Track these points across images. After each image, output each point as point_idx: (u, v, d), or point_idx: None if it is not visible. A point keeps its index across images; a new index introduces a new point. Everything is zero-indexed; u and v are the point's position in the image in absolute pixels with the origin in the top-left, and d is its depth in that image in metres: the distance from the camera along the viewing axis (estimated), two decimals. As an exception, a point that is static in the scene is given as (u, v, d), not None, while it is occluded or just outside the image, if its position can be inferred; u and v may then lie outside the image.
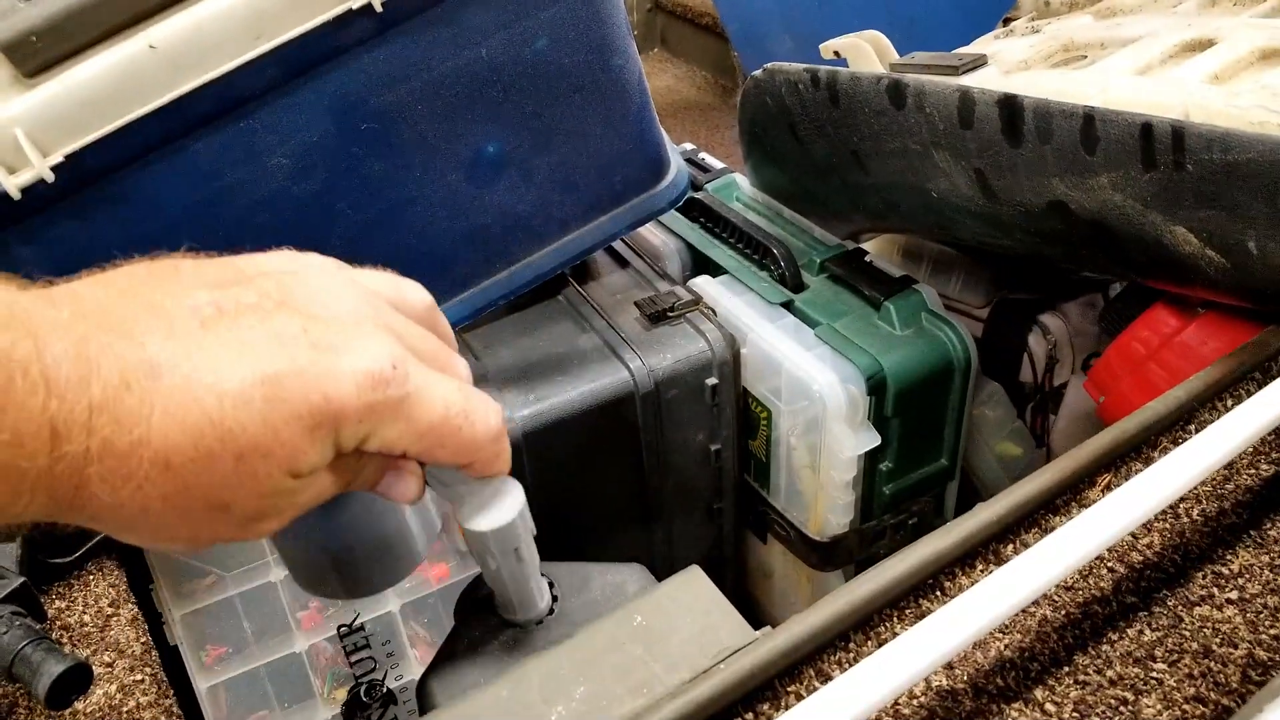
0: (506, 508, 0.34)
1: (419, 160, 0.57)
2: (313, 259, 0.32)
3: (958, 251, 0.84)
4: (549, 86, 0.58)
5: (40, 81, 0.47)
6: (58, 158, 0.46)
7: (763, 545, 0.77)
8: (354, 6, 0.48)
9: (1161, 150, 0.43)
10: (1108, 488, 0.42)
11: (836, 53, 0.71)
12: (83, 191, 0.49)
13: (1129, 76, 0.53)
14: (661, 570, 0.45)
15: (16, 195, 0.46)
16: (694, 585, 0.39)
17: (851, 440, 0.63)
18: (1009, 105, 0.48)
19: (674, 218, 0.80)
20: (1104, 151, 0.45)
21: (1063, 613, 0.38)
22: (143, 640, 0.52)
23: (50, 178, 0.46)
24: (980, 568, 0.40)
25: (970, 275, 0.84)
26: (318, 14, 0.48)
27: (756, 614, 0.82)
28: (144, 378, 0.24)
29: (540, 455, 0.62)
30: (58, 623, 0.53)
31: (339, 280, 0.31)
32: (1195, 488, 0.43)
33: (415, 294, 0.34)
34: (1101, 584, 0.39)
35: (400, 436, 0.29)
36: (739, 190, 0.83)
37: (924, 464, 0.70)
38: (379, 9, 0.49)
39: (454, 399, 0.30)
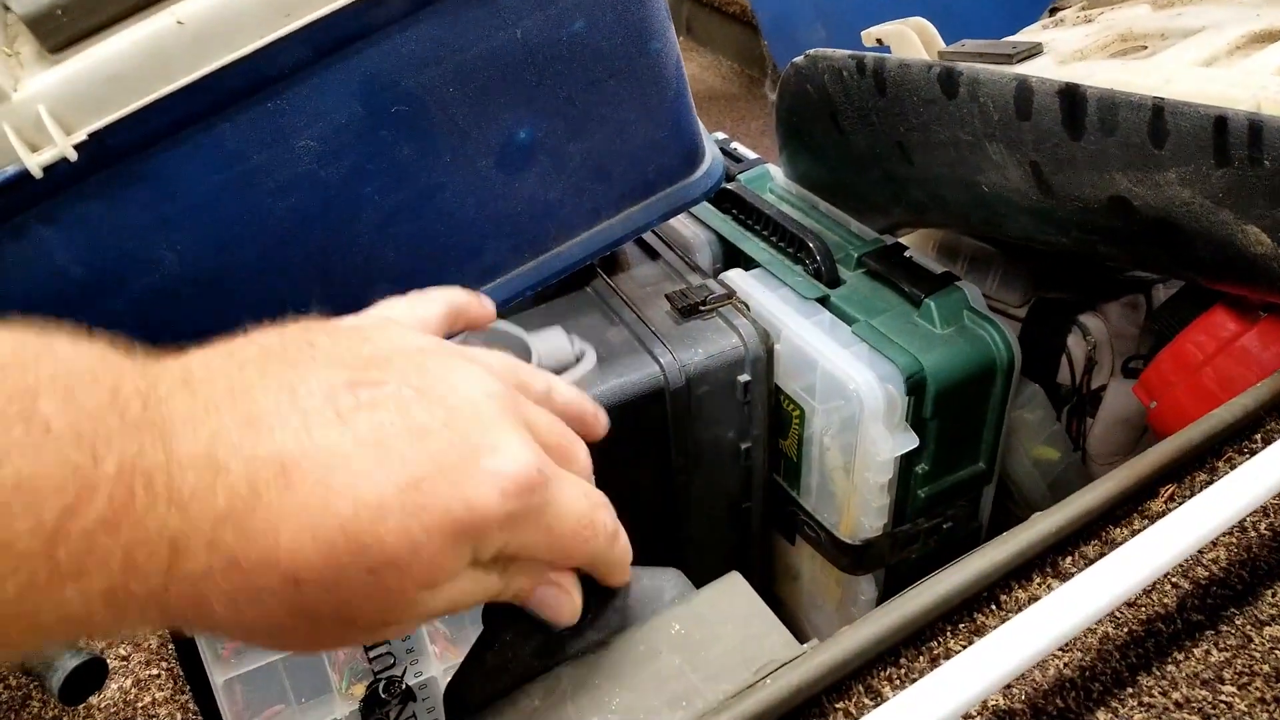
0: None
1: (449, 145, 0.55)
2: (425, 339, 0.30)
3: (996, 248, 0.82)
4: (584, 71, 0.56)
5: (65, 57, 0.45)
6: (81, 136, 0.45)
7: (791, 546, 0.75)
8: (387, -17, 0.47)
9: (1236, 145, 0.41)
10: (1171, 499, 0.40)
11: (879, 40, 0.69)
12: (106, 171, 0.47)
13: (1194, 68, 0.51)
14: (687, 568, 0.43)
15: (39, 174, 0.45)
16: (735, 592, 0.38)
17: (888, 442, 0.61)
18: (1070, 95, 0.46)
19: (705, 209, 0.78)
20: (1173, 145, 0.43)
21: (1125, 630, 0.36)
22: (159, 634, 0.51)
23: (73, 156, 0.45)
24: (1038, 580, 0.38)
25: (1008, 273, 0.81)
26: (350, -9, 0.46)
27: (782, 616, 0.81)
28: (275, 483, 0.22)
29: (567, 451, 0.61)
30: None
31: (464, 362, 0.28)
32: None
33: (534, 377, 0.31)
34: (1165, 600, 0.37)
35: (535, 545, 0.27)
36: (772, 181, 0.81)
37: (961, 467, 0.67)
38: (413, -14, 0.47)
39: (583, 506, 0.28)
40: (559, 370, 0.55)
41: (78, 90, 0.45)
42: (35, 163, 0.44)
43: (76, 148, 0.45)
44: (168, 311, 0.53)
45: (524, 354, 0.52)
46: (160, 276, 0.52)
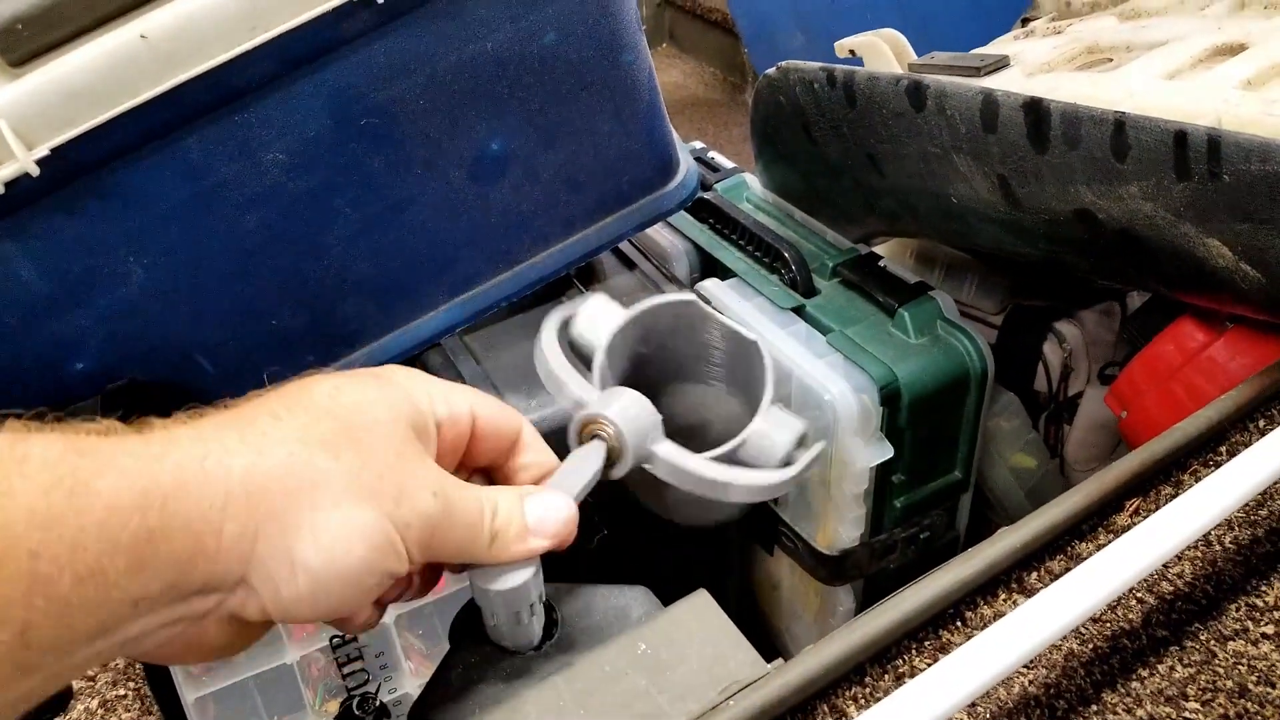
0: (519, 570, 0.33)
1: (420, 157, 0.55)
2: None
3: (972, 256, 0.82)
4: (556, 82, 0.56)
5: (26, 71, 0.45)
6: (43, 151, 0.44)
7: (769, 557, 0.75)
8: (354, -3, 0.46)
9: (1196, 159, 0.41)
10: (1136, 513, 0.41)
11: (852, 51, 0.69)
12: (70, 186, 0.47)
13: (1158, 81, 0.51)
14: (664, 581, 0.43)
15: (0, 189, 0.44)
16: (701, 611, 0.38)
17: (863, 452, 0.61)
18: (1034, 109, 0.46)
19: (682, 218, 0.78)
20: (1135, 159, 0.43)
21: (1090, 646, 0.36)
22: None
23: (35, 171, 0.44)
24: (1003, 596, 0.38)
25: (985, 280, 0.82)
26: (317, 5, 0.46)
27: (762, 626, 0.81)
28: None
29: (542, 463, 0.60)
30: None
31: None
32: (1227, 513, 0.41)
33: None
34: (1130, 615, 0.37)
35: None
36: (749, 191, 0.81)
37: (937, 476, 0.68)
38: (381, 0, 0.47)
39: None
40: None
41: (39, 104, 0.44)
42: (-4, 178, 0.44)
43: (39, 163, 0.44)
44: (137, 325, 0.53)
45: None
46: (128, 290, 0.52)
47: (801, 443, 0.40)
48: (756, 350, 0.42)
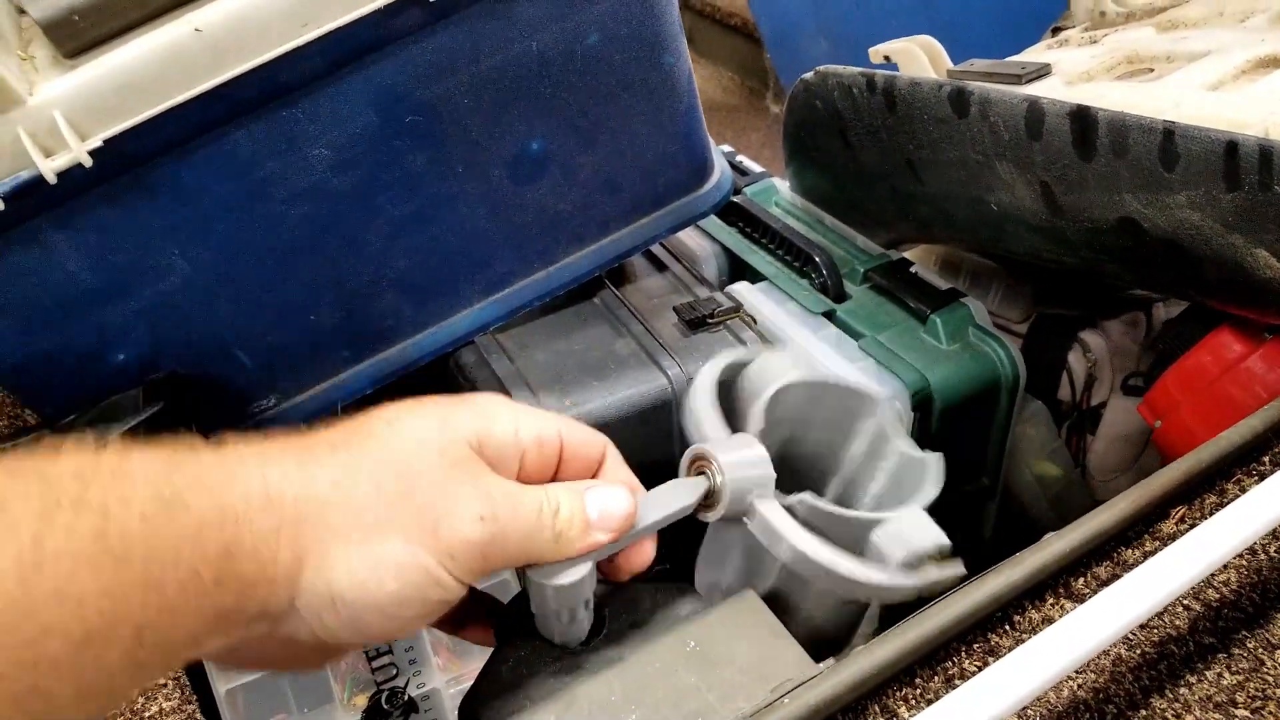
0: (576, 566, 0.33)
1: (462, 155, 0.55)
2: None
3: (997, 264, 0.82)
4: (598, 83, 0.56)
5: (81, 63, 0.45)
6: (96, 142, 0.45)
7: (793, 560, 0.75)
8: (406, -5, 0.47)
9: (1247, 170, 0.41)
10: (1181, 520, 0.41)
11: (887, 57, 0.70)
12: (120, 177, 0.47)
13: (1202, 92, 0.51)
14: (694, 580, 0.43)
15: (52, 179, 0.44)
16: (749, 610, 0.38)
17: (894, 457, 0.61)
18: (1081, 117, 0.46)
19: (712, 222, 0.78)
20: (1183, 169, 0.43)
21: (1138, 652, 0.36)
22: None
23: (88, 162, 0.45)
24: (1050, 601, 0.38)
25: (1010, 289, 0.82)
26: (368, 2, 0.46)
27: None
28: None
29: (574, 462, 0.61)
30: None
31: None
32: (1272, 523, 0.41)
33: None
34: (1177, 622, 0.37)
35: None
36: (778, 195, 0.81)
37: (965, 482, 0.68)
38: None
39: None
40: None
41: (93, 96, 0.45)
42: (49, 168, 0.44)
43: (91, 154, 0.45)
44: (178, 317, 0.53)
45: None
46: (172, 282, 0.52)
47: (938, 556, 0.37)
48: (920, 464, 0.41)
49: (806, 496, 0.37)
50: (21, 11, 0.49)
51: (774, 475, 0.37)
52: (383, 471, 0.30)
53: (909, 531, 0.37)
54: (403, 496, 0.30)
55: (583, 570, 0.33)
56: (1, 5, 0.49)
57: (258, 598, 0.27)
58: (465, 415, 0.32)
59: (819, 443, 0.45)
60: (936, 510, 0.41)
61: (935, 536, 0.38)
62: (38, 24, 0.45)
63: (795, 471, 0.43)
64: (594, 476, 0.36)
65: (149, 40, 0.45)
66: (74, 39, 0.45)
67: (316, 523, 0.28)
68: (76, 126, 0.45)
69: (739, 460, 0.36)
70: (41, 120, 0.44)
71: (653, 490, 0.36)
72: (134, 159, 0.47)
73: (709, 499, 0.36)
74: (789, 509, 0.37)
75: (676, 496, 0.35)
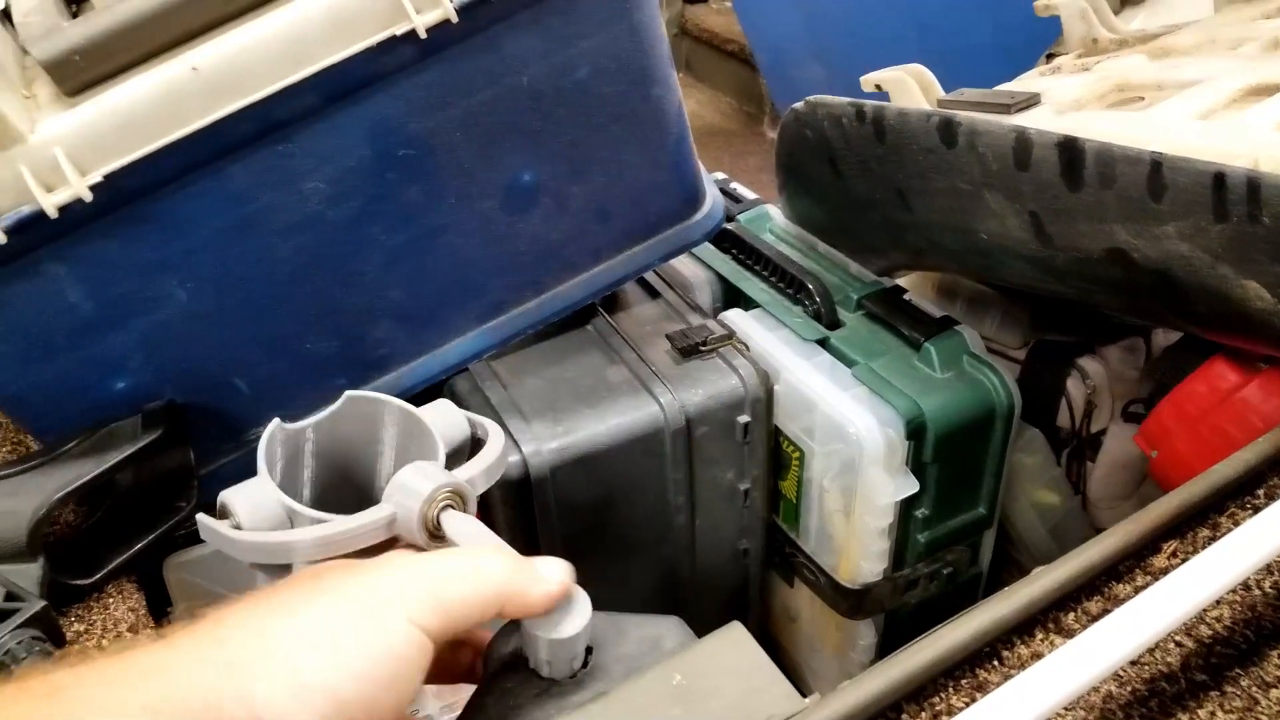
0: (574, 618, 0.34)
1: (454, 187, 0.56)
2: None
3: (995, 290, 0.82)
4: (588, 116, 0.57)
5: (81, 101, 0.46)
6: (96, 177, 0.46)
7: (789, 588, 0.75)
8: (398, 33, 0.47)
9: (1235, 201, 0.41)
10: (1174, 555, 0.40)
11: (878, 86, 0.70)
12: (118, 211, 0.48)
13: (1192, 121, 0.51)
14: (684, 610, 0.43)
15: (54, 214, 0.45)
16: (736, 644, 0.37)
17: (888, 486, 0.61)
18: (1069, 148, 0.47)
19: (705, 249, 0.78)
20: (1171, 200, 0.43)
21: (1128, 689, 0.36)
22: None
23: (88, 197, 0.45)
24: (1040, 637, 0.38)
25: (1007, 315, 0.82)
26: (361, 40, 0.47)
27: (779, 658, 0.80)
28: None
29: (566, 490, 0.61)
30: (76, 647, 0.52)
31: None
32: (1264, 556, 0.41)
33: None
34: (1169, 659, 0.37)
35: None
36: (771, 222, 0.82)
37: (961, 512, 0.67)
38: (423, 35, 0.48)
39: None
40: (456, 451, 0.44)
41: (93, 133, 0.45)
42: (50, 203, 0.45)
43: (91, 189, 0.45)
44: (176, 346, 0.54)
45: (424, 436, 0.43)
46: (169, 313, 0.52)
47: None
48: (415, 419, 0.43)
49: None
50: (25, 52, 0.49)
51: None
52: (304, 584, 0.31)
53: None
54: (337, 587, 0.30)
55: (580, 622, 0.33)
56: (6, 45, 0.50)
57: None
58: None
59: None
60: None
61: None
62: (39, 64, 0.46)
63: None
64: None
65: (147, 79, 0.46)
66: (75, 78, 0.46)
67: (248, 637, 0.28)
68: (77, 162, 0.45)
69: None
70: (43, 157, 0.45)
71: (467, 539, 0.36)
72: (132, 193, 0.48)
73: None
74: None
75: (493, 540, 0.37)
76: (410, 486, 0.37)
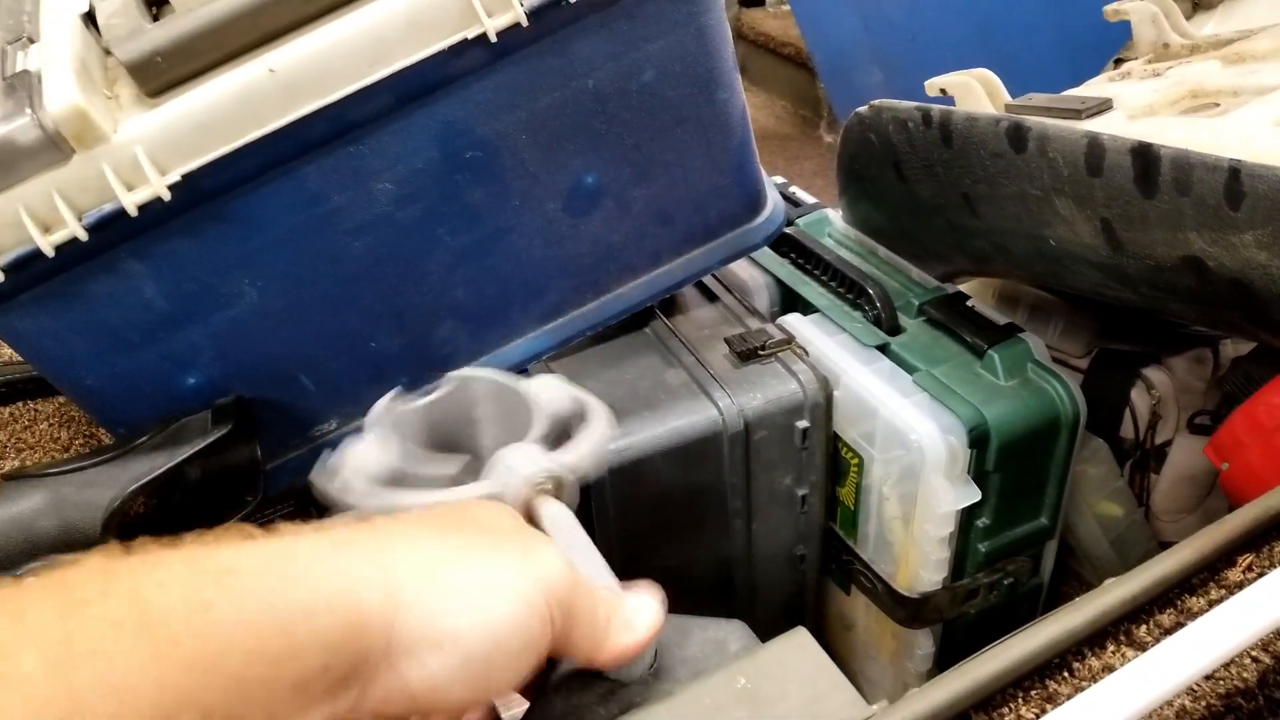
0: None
1: (519, 189, 0.56)
2: None
3: (1058, 298, 0.81)
4: (652, 119, 0.57)
5: (162, 102, 0.47)
6: (175, 177, 0.47)
7: (845, 596, 0.74)
8: (469, 36, 0.48)
9: (1318, 209, 0.40)
10: (1249, 569, 0.39)
11: (943, 90, 0.69)
12: (195, 210, 0.49)
13: (1270, 127, 0.50)
14: (741, 615, 0.43)
15: (134, 212, 0.47)
16: (801, 648, 0.38)
17: (950, 494, 0.60)
18: (1143, 154, 0.46)
19: (764, 253, 0.78)
20: (1250, 208, 0.42)
21: (1203, 704, 0.35)
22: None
23: (167, 196, 0.47)
24: (1112, 649, 0.37)
25: (1071, 323, 0.80)
26: (434, 43, 0.48)
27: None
28: None
29: (625, 493, 0.61)
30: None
31: None
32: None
33: None
34: (1245, 674, 0.36)
35: None
36: (831, 226, 0.81)
37: (1023, 522, 0.66)
38: (493, 39, 0.48)
39: None
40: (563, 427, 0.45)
41: (173, 134, 0.47)
42: (131, 201, 0.47)
43: (170, 188, 0.47)
44: (246, 343, 0.55)
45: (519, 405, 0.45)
46: (240, 310, 0.54)
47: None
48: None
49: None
50: (108, 53, 0.51)
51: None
52: (456, 520, 0.31)
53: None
54: (486, 529, 0.30)
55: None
56: (90, 47, 0.52)
57: (346, 652, 0.25)
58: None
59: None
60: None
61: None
62: (122, 65, 0.47)
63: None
64: None
65: (226, 80, 0.47)
66: (156, 79, 0.48)
67: (409, 549, 0.28)
68: (157, 162, 0.47)
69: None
70: (125, 156, 0.46)
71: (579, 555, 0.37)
72: (209, 193, 0.49)
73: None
74: None
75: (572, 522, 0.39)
76: (513, 467, 0.39)
